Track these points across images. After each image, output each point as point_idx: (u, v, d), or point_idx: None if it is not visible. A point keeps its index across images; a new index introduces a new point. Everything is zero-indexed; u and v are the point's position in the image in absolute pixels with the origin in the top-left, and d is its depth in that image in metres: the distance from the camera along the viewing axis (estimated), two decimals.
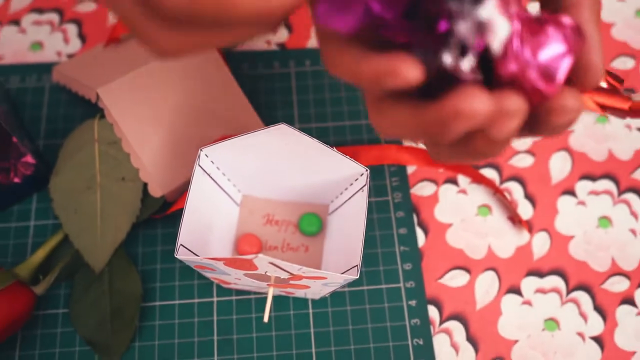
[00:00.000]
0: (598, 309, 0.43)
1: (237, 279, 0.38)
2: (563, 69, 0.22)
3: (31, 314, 0.40)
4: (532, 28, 0.22)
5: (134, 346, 0.41)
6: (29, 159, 0.42)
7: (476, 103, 0.20)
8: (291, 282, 0.36)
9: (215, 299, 0.42)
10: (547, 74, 0.22)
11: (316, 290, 0.38)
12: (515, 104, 0.21)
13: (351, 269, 0.36)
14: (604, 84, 0.28)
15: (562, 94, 0.22)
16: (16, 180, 0.43)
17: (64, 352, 0.40)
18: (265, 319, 0.36)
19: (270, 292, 0.37)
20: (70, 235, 0.42)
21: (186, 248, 0.36)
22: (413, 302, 0.42)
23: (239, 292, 0.43)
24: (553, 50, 0.22)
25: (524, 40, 0.21)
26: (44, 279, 0.41)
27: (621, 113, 0.27)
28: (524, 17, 0.22)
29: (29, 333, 0.41)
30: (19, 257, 0.43)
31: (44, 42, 0.51)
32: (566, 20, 0.22)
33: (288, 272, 0.33)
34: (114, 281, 0.42)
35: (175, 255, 0.39)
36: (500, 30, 0.21)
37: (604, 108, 0.27)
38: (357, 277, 0.35)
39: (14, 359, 0.40)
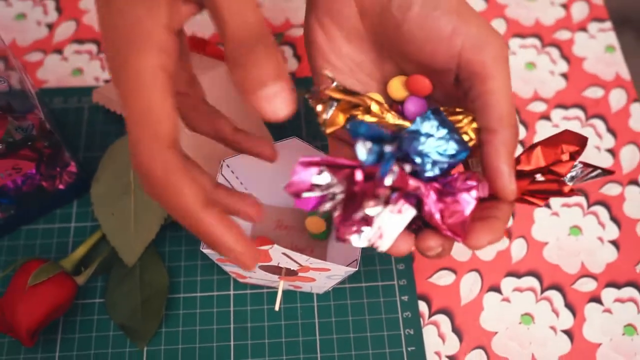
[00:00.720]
0: (568, 306, 0.48)
1: (252, 271, 0.44)
2: (464, 227, 0.30)
3: (72, 302, 0.46)
4: (445, 197, 0.30)
5: (161, 332, 0.47)
6: (73, 168, 0.49)
7: (403, 245, 0.32)
8: (300, 274, 0.42)
9: (232, 292, 0.48)
10: (454, 232, 0.30)
11: (321, 283, 0.44)
12: (431, 243, 0.31)
13: (352, 262, 0.42)
14: (541, 178, 0.32)
15: (469, 238, 0.30)
16: (60, 186, 0.49)
17: (99, 336, 0.46)
18: (277, 308, 0.42)
19: (281, 285, 0.43)
20: (107, 235, 0.48)
21: None
22: (405, 298, 0.48)
23: (253, 286, 0.49)
24: (457, 216, 0.30)
25: (437, 208, 0.30)
26: (84, 271, 0.47)
27: (560, 195, 0.31)
28: (441, 190, 0.31)
29: (70, 319, 0.47)
30: (61, 254, 0.49)
31: (84, 68, 0.58)
32: (472, 183, 0.30)
33: (297, 262, 0.40)
34: (144, 275, 0.48)
35: (200, 248, 0.45)
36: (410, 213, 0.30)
37: (542, 196, 0.31)
38: (357, 269, 0.41)
39: (57, 341, 0.46)
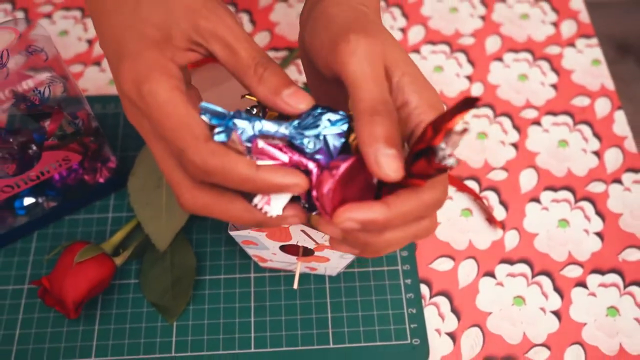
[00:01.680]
0: (557, 290, 0.53)
1: (273, 254, 0.49)
2: (327, 202, 0.31)
3: (111, 281, 0.52)
4: (321, 174, 0.32)
5: (189, 309, 0.52)
6: (112, 163, 0.55)
7: (292, 218, 0.33)
8: (316, 253, 0.48)
9: (252, 274, 0.54)
10: (322, 206, 0.31)
11: (334, 263, 0.49)
12: (320, 220, 0.33)
13: None
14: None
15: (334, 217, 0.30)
16: (100, 180, 0.56)
17: (134, 312, 0.52)
18: (295, 286, 0.48)
19: (299, 265, 0.49)
20: (142, 223, 0.54)
21: (235, 227, 0.48)
22: (408, 281, 0.53)
23: (272, 270, 0.54)
24: (326, 188, 0.31)
25: (315, 183, 0.32)
26: (122, 253, 0.53)
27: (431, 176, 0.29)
28: (323, 165, 0.32)
29: (108, 297, 0.53)
30: (100, 240, 0.55)
31: None
32: (337, 164, 0.31)
33: (314, 240, 0.45)
34: (174, 258, 0.53)
35: (228, 231, 0.51)
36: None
37: (419, 176, 0.28)
38: None
39: (96, 317, 0.52)
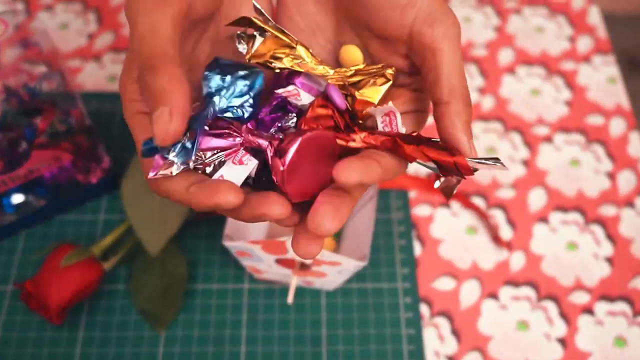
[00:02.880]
0: (563, 315, 0.51)
1: (268, 266, 0.47)
2: (286, 189, 0.27)
3: (98, 286, 0.50)
4: (272, 159, 0.28)
5: (179, 319, 0.50)
6: (106, 164, 0.53)
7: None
8: (313, 268, 0.45)
9: (246, 285, 0.52)
10: (279, 183, 0.28)
11: (331, 278, 0.47)
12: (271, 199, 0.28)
13: (361, 257, 0.46)
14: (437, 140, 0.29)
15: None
16: (93, 180, 0.53)
17: (121, 320, 0.50)
18: (290, 300, 0.46)
19: (294, 278, 0.47)
20: (134, 226, 0.52)
21: (230, 236, 0.46)
22: (408, 300, 0.51)
23: (266, 282, 0.52)
24: (278, 178, 0.27)
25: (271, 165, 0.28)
26: (111, 257, 0.51)
27: (448, 171, 0.28)
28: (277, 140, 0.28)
29: (94, 302, 0.50)
30: (90, 242, 0.53)
31: (119, 76, 0.63)
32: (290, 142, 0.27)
33: None
34: (165, 265, 0.51)
35: (223, 242, 0.49)
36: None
37: (433, 162, 0.28)
38: (366, 263, 0.44)
39: (81, 323, 0.50)
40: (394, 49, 0.32)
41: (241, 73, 0.30)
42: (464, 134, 0.29)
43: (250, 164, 0.29)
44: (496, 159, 0.27)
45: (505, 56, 0.65)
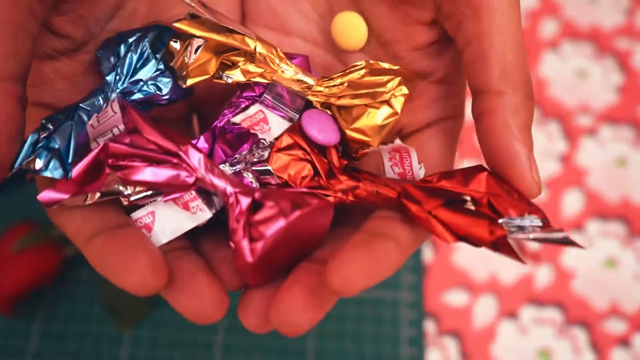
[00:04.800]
0: (593, 346, 0.43)
1: None
2: (248, 271, 0.19)
3: (58, 273, 0.43)
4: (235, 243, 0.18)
5: (150, 317, 0.43)
6: None
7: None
8: None
9: None
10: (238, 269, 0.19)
11: None
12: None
13: None
14: (471, 206, 0.19)
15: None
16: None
17: (83, 313, 0.43)
18: None
19: None
20: None
21: None
22: (412, 314, 0.44)
23: None
24: (241, 265, 0.18)
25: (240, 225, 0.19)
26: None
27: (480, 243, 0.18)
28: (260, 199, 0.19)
29: (52, 292, 0.44)
30: (50, 221, 0.46)
31: None
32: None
33: None
34: None
35: None
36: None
37: (459, 236, 0.18)
38: None
39: (36, 314, 0.43)
40: (412, 13, 0.21)
41: (137, 35, 0.20)
42: (522, 144, 0.18)
43: (201, 216, 0.19)
44: (564, 237, 0.17)
45: (549, 28, 0.56)
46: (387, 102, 0.21)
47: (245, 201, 0.18)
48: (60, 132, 0.18)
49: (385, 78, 0.21)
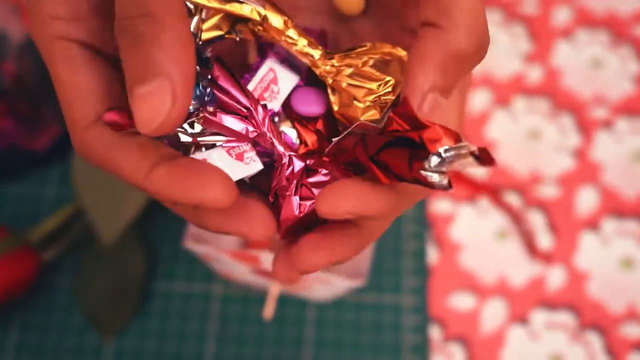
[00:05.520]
0: (608, 352, 0.41)
1: (243, 273, 0.37)
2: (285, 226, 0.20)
3: (35, 281, 0.41)
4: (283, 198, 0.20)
5: (132, 326, 0.41)
6: (55, 127, 0.43)
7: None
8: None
9: (217, 288, 0.42)
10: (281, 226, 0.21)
11: (320, 292, 0.37)
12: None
13: (358, 276, 0.36)
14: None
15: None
16: (37, 146, 0.44)
17: (63, 323, 0.41)
18: (268, 316, 0.36)
19: (274, 291, 0.37)
20: (85, 206, 0.42)
21: (195, 236, 0.36)
22: (415, 319, 0.41)
23: (233, 285, 0.42)
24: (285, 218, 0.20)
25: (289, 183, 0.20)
26: (52, 246, 0.42)
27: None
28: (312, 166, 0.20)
29: (32, 299, 0.42)
30: (27, 224, 0.44)
31: None
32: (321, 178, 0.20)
33: None
34: (121, 260, 0.42)
35: (183, 244, 0.39)
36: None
37: (391, 175, 0.18)
38: (362, 285, 0.34)
39: (10, 325, 0.41)
40: None
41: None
42: (425, 78, 0.17)
43: (253, 167, 0.20)
44: (470, 151, 0.16)
45: (562, 16, 0.52)
46: (373, 105, 0.20)
47: (298, 164, 0.20)
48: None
49: (382, 77, 0.20)
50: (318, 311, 0.41)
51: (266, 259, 0.31)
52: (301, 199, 0.19)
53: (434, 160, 0.16)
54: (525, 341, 0.41)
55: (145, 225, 0.44)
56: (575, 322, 0.42)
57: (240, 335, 0.41)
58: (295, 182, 0.19)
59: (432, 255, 0.44)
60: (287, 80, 0.22)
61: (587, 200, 0.45)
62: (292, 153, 0.20)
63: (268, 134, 0.20)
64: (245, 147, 0.20)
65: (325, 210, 0.17)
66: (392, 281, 0.42)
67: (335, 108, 0.21)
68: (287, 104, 0.22)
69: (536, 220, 0.44)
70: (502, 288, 0.43)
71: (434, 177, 0.16)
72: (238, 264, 0.35)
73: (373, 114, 0.20)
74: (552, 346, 0.41)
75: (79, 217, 0.44)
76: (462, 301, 0.42)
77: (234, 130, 0.20)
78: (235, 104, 0.19)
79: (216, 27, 0.20)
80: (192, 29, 0.20)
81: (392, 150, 0.17)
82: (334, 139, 0.20)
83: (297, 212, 0.19)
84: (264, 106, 0.20)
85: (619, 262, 0.43)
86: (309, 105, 0.21)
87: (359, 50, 0.20)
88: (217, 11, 0.20)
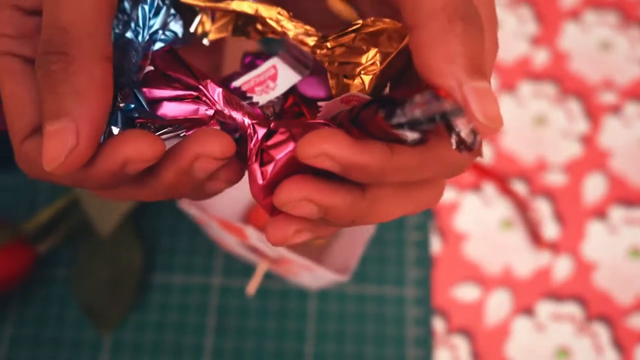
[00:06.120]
0: (616, 344, 0.40)
1: (233, 245, 0.37)
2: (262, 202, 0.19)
3: (31, 273, 0.40)
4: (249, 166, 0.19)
5: (130, 319, 0.40)
6: None
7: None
8: (284, 265, 0.35)
9: (216, 280, 0.41)
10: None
11: (307, 280, 0.37)
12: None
13: (344, 270, 0.35)
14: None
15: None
16: None
17: (59, 316, 0.40)
18: (251, 291, 0.35)
19: (262, 267, 0.36)
20: (81, 197, 0.41)
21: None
22: (418, 311, 0.40)
23: (241, 276, 0.41)
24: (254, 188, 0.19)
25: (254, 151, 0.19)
26: (47, 238, 0.41)
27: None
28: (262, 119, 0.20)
29: (28, 292, 0.41)
30: (21, 217, 0.43)
31: None
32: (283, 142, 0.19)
33: (275, 252, 0.32)
34: (118, 252, 0.41)
35: (178, 203, 0.39)
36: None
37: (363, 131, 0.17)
38: (347, 279, 0.33)
39: (6, 318, 0.40)
40: None
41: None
42: (457, 64, 0.16)
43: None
44: (442, 107, 0.15)
45: None
46: (359, 76, 0.19)
47: (261, 131, 0.18)
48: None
49: (369, 49, 0.19)
50: (319, 303, 0.40)
51: (251, 234, 0.31)
52: (262, 164, 0.18)
53: (398, 112, 0.15)
54: (531, 333, 0.40)
55: (142, 217, 0.43)
56: (582, 313, 0.41)
57: (240, 328, 0.40)
58: (255, 149, 0.18)
59: (436, 245, 0.43)
60: (287, 78, 0.21)
61: (594, 187, 0.44)
62: (254, 121, 0.19)
63: (225, 109, 0.19)
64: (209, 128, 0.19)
65: (303, 152, 0.16)
66: (395, 272, 0.41)
67: (333, 92, 0.20)
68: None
69: (542, 209, 0.43)
70: (507, 279, 0.42)
71: (407, 133, 0.15)
72: (227, 234, 0.34)
73: (357, 84, 0.19)
74: (558, 338, 0.40)
75: (74, 208, 0.43)
76: (466, 292, 0.41)
77: (187, 117, 0.19)
78: (182, 89, 0.19)
79: (224, 27, 0.21)
80: (193, 29, 0.21)
81: (368, 109, 0.17)
82: (320, 103, 0.20)
83: (260, 181, 0.18)
84: (215, 81, 0.19)
85: (627, 252, 0.42)
86: (315, 89, 0.21)
87: (352, 28, 0.19)
88: (209, 9, 0.20)
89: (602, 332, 0.40)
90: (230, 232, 0.33)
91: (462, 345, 0.40)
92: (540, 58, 0.48)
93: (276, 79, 0.21)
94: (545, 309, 0.41)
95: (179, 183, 0.18)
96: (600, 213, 0.43)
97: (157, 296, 0.41)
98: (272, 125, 0.19)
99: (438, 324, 0.40)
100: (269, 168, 0.18)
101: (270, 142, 0.18)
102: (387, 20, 0.19)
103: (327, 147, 0.16)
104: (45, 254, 0.41)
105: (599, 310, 0.41)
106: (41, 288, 0.41)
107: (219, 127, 0.19)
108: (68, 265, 0.42)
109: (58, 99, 0.16)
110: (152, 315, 0.40)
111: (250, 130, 0.19)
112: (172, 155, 0.17)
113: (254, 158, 0.18)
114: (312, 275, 0.34)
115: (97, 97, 0.16)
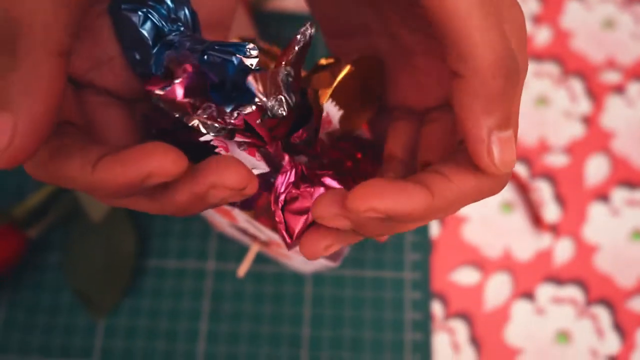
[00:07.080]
0: (617, 327, 0.39)
1: (224, 226, 0.36)
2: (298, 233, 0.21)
3: (23, 258, 0.39)
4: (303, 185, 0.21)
5: (123, 304, 0.40)
6: None
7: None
8: (274, 247, 0.34)
9: (211, 265, 0.41)
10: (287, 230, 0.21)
11: (298, 264, 0.36)
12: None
13: (336, 256, 0.34)
14: None
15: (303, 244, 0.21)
16: None
17: (52, 301, 0.40)
18: (241, 274, 0.35)
19: (254, 249, 0.35)
20: None
21: None
22: (417, 295, 0.40)
23: (235, 261, 0.41)
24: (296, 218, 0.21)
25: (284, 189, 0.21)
26: (40, 222, 0.40)
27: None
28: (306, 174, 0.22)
29: (20, 277, 0.40)
30: (10, 202, 0.42)
31: None
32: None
33: (265, 235, 0.32)
34: (111, 236, 0.40)
35: None
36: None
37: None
38: (337, 265, 0.32)
39: (1, 301, 0.39)
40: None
41: None
42: (480, 128, 0.17)
43: (260, 167, 0.21)
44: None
45: None
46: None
47: (287, 184, 0.21)
48: None
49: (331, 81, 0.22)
50: (316, 287, 0.40)
51: (239, 216, 0.30)
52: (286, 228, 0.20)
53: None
54: (531, 317, 0.40)
55: None
56: (583, 296, 0.40)
57: (235, 312, 0.39)
58: (279, 209, 0.20)
59: (435, 228, 0.42)
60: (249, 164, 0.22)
61: (596, 169, 0.43)
62: (291, 169, 0.21)
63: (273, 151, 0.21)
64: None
65: (352, 207, 0.17)
66: (393, 256, 0.41)
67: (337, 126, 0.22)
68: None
69: (543, 191, 0.43)
70: (507, 262, 0.41)
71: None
72: (218, 215, 0.33)
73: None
74: (558, 322, 0.40)
75: (65, 192, 0.42)
76: (465, 276, 0.41)
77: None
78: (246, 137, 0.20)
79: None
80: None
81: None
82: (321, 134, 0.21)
83: (289, 242, 0.20)
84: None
85: (629, 234, 0.42)
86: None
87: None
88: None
89: (603, 315, 0.40)
90: (220, 214, 0.33)
91: (461, 329, 0.39)
92: (542, 37, 0.47)
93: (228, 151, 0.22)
94: (545, 292, 0.40)
95: (191, 205, 0.17)
96: (602, 195, 0.43)
97: (151, 281, 0.40)
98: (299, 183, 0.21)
99: (437, 308, 0.40)
100: (297, 228, 0.20)
101: (294, 206, 0.20)
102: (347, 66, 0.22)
103: (377, 205, 0.17)
104: (37, 239, 0.41)
105: (600, 293, 0.40)
106: (34, 273, 0.40)
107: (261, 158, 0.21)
108: (61, 250, 0.41)
109: (2, 91, 0.15)
110: (146, 300, 0.40)
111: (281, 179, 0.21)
112: (190, 178, 0.17)
113: (282, 225, 0.20)
114: (303, 259, 0.34)
115: (43, 94, 0.15)
